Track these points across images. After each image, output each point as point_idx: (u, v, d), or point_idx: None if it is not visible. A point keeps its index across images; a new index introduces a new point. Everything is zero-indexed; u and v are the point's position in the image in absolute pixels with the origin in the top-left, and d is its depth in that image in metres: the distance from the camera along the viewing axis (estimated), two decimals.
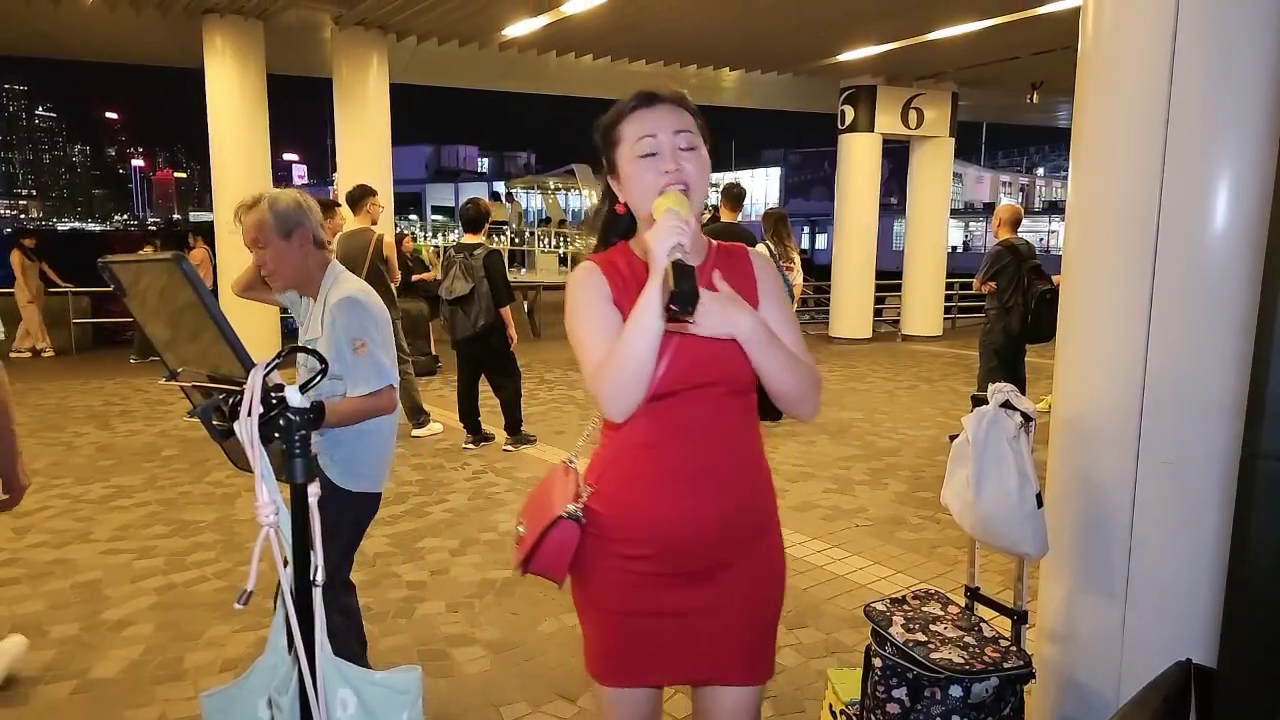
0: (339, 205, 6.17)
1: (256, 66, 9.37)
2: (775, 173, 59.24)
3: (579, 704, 2.64)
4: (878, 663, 1.89)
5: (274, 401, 1.33)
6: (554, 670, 2.86)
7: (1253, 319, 1.02)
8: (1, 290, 10.14)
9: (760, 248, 5.03)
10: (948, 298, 13.29)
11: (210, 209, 9.96)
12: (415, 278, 8.71)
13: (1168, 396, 1.78)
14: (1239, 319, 1.67)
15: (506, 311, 5.56)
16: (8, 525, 4.13)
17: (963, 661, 1.79)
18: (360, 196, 5.92)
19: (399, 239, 9.13)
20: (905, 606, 2.04)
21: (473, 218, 5.71)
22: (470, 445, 5.84)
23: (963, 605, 2.12)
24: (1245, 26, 1.66)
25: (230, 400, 1.35)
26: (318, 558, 1.36)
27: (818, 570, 3.73)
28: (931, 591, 2.13)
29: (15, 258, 10.05)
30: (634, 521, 1.42)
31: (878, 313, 12.99)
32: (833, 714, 2.21)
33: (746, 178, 48.73)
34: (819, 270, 16.03)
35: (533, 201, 28.17)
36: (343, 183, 9.22)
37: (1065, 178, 2.26)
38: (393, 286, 5.83)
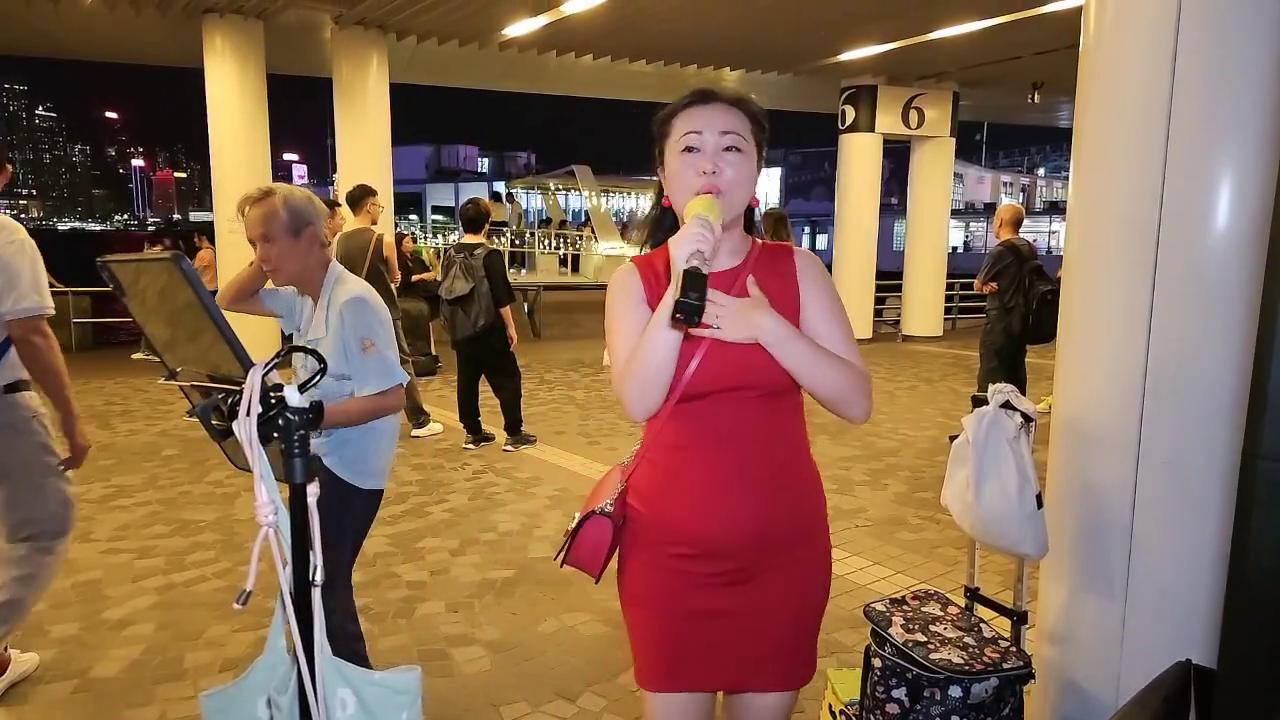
0: (339, 205, 6.18)
1: (256, 66, 9.38)
2: (775, 173, 59.22)
3: (579, 704, 2.64)
4: (877, 663, 1.89)
5: (273, 401, 1.33)
6: (554, 670, 2.86)
7: (1253, 320, 1.02)
8: None
9: None
10: (948, 298, 13.30)
11: (210, 209, 9.96)
12: (415, 278, 8.70)
13: (1168, 397, 1.78)
14: (1240, 320, 1.67)
15: (507, 311, 5.56)
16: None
17: (962, 662, 1.79)
18: (360, 196, 5.92)
19: (399, 239, 9.13)
20: (905, 607, 2.03)
21: (473, 218, 5.71)
22: (470, 445, 5.84)
23: (962, 606, 2.11)
24: (1247, 27, 1.65)
25: (229, 400, 1.35)
26: (317, 558, 1.36)
27: None
28: (931, 592, 2.13)
29: None
30: (669, 523, 1.42)
31: (878, 313, 13.00)
32: (832, 714, 2.20)
33: None
34: None
35: (533, 202, 28.21)
36: (343, 183, 9.23)
37: (1066, 178, 2.26)
38: (393, 286, 5.83)
